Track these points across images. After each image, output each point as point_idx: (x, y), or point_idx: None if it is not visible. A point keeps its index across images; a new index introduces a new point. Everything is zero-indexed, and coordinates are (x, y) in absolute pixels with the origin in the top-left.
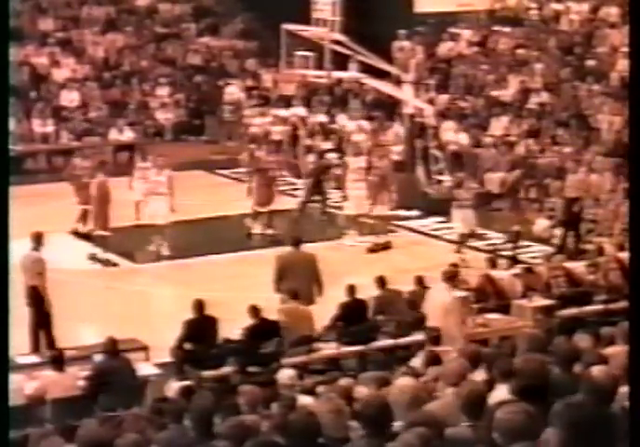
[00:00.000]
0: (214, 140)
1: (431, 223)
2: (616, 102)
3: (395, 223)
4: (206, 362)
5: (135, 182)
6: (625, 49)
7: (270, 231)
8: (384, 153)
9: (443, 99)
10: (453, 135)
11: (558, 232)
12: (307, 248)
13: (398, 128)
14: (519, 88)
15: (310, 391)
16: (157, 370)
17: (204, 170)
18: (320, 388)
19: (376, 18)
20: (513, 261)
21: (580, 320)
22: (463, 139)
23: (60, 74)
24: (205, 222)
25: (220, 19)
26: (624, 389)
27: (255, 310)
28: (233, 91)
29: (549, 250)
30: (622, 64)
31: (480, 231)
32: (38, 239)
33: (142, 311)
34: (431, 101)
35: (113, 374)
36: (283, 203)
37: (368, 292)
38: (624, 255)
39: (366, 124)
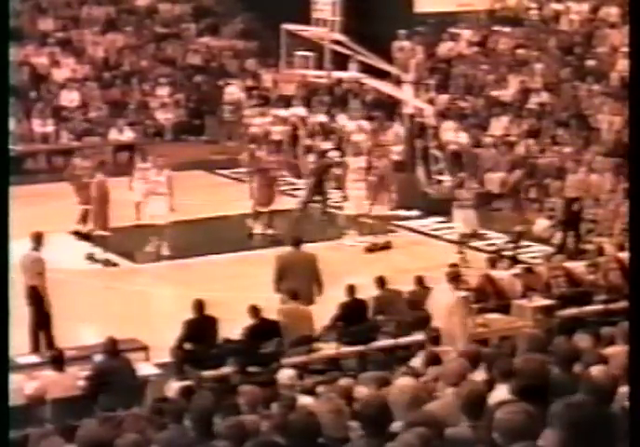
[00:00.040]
0: (214, 140)
1: (431, 223)
2: (616, 102)
3: (395, 223)
4: (206, 362)
5: (135, 182)
6: (625, 49)
7: (270, 231)
8: (384, 153)
9: (443, 99)
10: (453, 135)
11: (558, 232)
12: (307, 248)
13: (398, 129)
14: (519, 88)
15: (310, 391)
16: (157, 370)
17: (204, 170)
18: (320, 388)
19: (376, 18)
20: (513, 261)
21: (580, 320)
22: (463, 138)
23: (59, 74)
24: (205, 222)
25: (220, 19)
26: (624, 389)
27: (255, 310)
28: (233, 91)
29: (549, 250)
30: (622, 64)
31: (480, 231)
32: (38, 239)
33: (142, 311)
34: (431, 101)
35: (113, 374)
36: (283, 203)
37: (368, 292)
38: (624, 255)
39: (366, 124)
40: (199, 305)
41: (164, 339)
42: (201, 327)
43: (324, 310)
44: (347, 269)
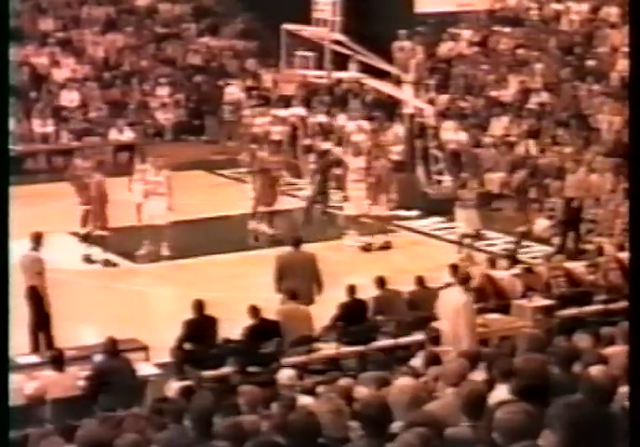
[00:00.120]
0: (214, 140)
1: (431, 223)
2: (616, 102)
3: (395, 223)
4: (206, 362)
5: (134, 184)
6: (625, 49)
7: (275, 230)
8: (381, 153)
9: (443, 99)
10: (453, 135)
11: (558, 232)
12: (307, 248)
13: (398, 129)
14: (519, 89)
15: (310, 391)
16: (157, 370)
17: (204, 170)
18: (320, 388)
19: (376, 18)
20: (514, 261)
21: (580, 320)
22: (463, 137)
23: (59, 74)
24: (205, 222)
25: (221, 19)
26: (624, 389)
27: (255, 310)
28: (234, 91)
29: (549, 250)
30: (622, 64)
31: (482, 231)
32: (37, 239)
33: (142, 311)
34: (431, 102)
35: (113, 374)
36: (284, 203)
37: (368, 293)
38: (624, 255)
39: (365, 124)
40: (199, 305)
41: (164, 339)
42: (201, 327)
43: (324, 310)
44: (347, 269)
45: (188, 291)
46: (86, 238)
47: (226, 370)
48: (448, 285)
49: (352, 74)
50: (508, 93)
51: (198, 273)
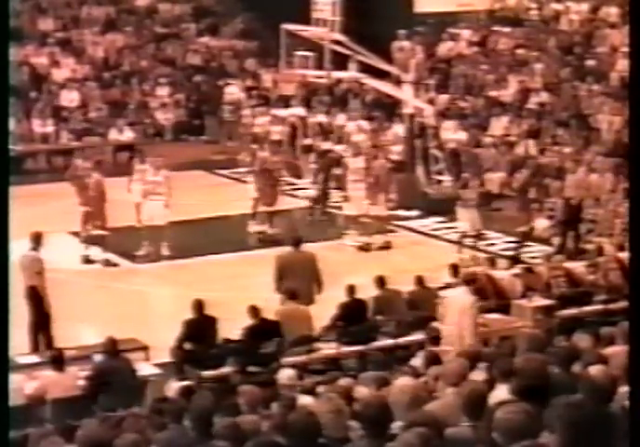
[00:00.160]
0: (214, 140)
1: (431, 223)
2: (616, 102)
3: (395, 223)
4: (206, 362)
5: (133, 184)
6: (625, 49)
7: (276, 230)
8: (379, 153)
9: (443, 99)
10: (453, 135)
11: (558, 232)
12: (307, 248)
13: (398, 129)
14: (519, 88)
15: (310, 391)
16: (157, 370)
17: (204, 170)
18: (320, 388)
19: (376, 18)
20: (514, 261)
21: (580, 320)
22: (462, 136)
23: (59, 74)
24: (205, 222)
25: (220, 19)
26: (624, 389)
27: (255, 310)
28: (233, 91)
29: (549, 250)
30: (622, 64)
31: (482, 231)
32: (37, 239)
33: (142, 311)
34: (431, 102)
35: (113, 374)
36: (284, 203)
37: (368, 292)
38: (624, 255)
39: (365, 124)
40: (199, 305)
41: (164, 339)
42: (201, 327)
43: (324, 310)
44: (347, 269)
45: (188, 291)
46: (85, 238)
47: (226, 370)
48: (449, 285)
49: (351, 74)
50: (508, 93)
51: (198, 273)
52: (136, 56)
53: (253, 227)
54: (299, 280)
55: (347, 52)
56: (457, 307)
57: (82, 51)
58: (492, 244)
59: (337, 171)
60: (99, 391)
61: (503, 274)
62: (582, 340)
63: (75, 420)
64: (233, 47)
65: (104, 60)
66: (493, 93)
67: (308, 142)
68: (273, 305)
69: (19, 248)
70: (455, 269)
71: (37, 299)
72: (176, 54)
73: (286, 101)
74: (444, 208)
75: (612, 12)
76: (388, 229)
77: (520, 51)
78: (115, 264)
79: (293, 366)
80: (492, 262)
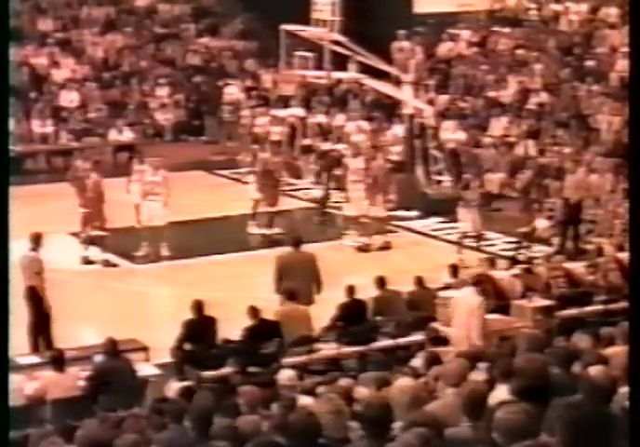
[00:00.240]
0: (214, 140)
1: (431, 223)
2: (615, 103)
3: (395, 223)
4: (206, 363)
5: (132, 184)
6: (625, 50)
7: (277, 231)
8: (380, 153)
9: (442, 99)
10: (452, 135)
11: (558, 232)
12: (307, 248)
13: (398, 129)
14: (519, 89)
15: (310, 392)
16: (157, 370)
17: (203, 171)
18: (320, 389)
19: (375, 18)
20: (513, 261)
21: (580, 321)
22: (461, 136)
23: (59, 75)
24: (205, 222)
25: (220, 19)
26: (624, 389)
27: (254, 311)
28: (233, 92)
29: (549, 250)
30: (622, 65)
31: (483, 232)
32: (37, 240)
33: (142, 311)
34: (430, 102)
35: (114, 375)
36: (285, 204)
37: (368, 293)
38: (624, 255)
39: (365, 124)
40: (198, 306)
41: (164, 339)
42: (201, 327)
43: (323, 310)
44: (347, 270)
45: (188, 292)
46: (85, 239)
47: (226, 370)
48: (448, 286)
49: (351, 74)
50: (507, 93)
51: (198, 273)
52: (135, 56)
53: (254, 228)
54: (298, 281)
55: (347, 53)
56: (464, 308)
57: (82, 52)
58: (492, 244)
59: (337, 172)
60: (99, 391)
61: (503, 274)
62: (582, 340)
63: (75, 420)
64: (233, 47)
65: (104, 60)
66: (493, 94)
67: (307, 142)
68: (272, 306)
69: (19, 248)
70: (455, 269)
71: (37, 299)
72: (175, 54)
73: (285, 102)
74: (443, 208)
75: (612, 13)
76: (388, 229)
77: (520, 52)
78: (115, 265)
79: (293, 366)
80: (492, 262)
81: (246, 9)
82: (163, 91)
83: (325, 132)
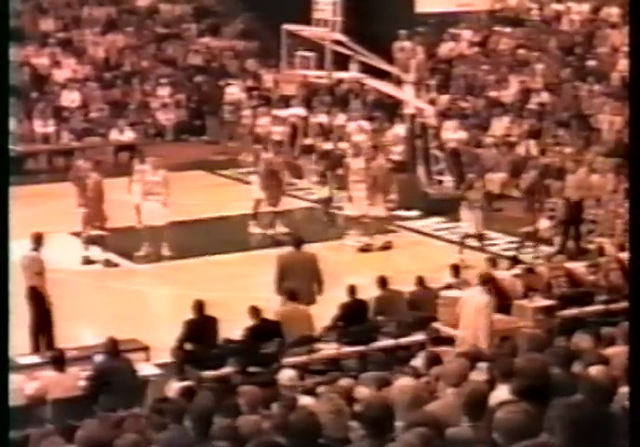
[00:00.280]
0: (215, 140)
1: (431, 223)
2: (616, 103)
3: (396, 223)
4: (207, 362)
5: (133, 184)
6: (626, 49)
7: (281, 231)
8: (380, 153)
9: (444, 99)
10: (453, 135)
11: (559, 232)
12: (308, 248)
13: (399, 129)
14: (520, 89)
15: (310, 391)
16: (158, 370)
17: (205, 171)
18: (320, 389)
19: (376, 18)
20: (514, 261)
21: (581, 321)
22: (462, 135)
23: (60, 75)
24: (206, 222)
25: (221, 19)
26: (624, 389)
27: (255, 311)
28: (234, 92)
29: (549, 250)
30: (623, 64)
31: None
32: (37, 240)
33: (143, 311)
34: (431, 102)
35: (114, 375)
36: (286, 203)
37: (369, 293)
38: (625, 255)
39: (366, 124)
40: (199, 306)
41: (164, 339)
42: (201, 327)
43: (324, 310)
44: (347, 269)
45: (188, 292)
46: (86, 239)
47: (227, 370)
48: (450, 285)
49: (352, 74)
50: (508, 93)
51: (199, 273)
52: (137, 56)
53: (255, 228)
54: (299, 280)
55: (348, 52)
56: (472, 307)
57: (83, 51)
58: (493, 244)
59: (339, 172)
60: (99, 391)
61: (504, 274)
62: (583, 340)
63: (76, 420)
64: (234, 47)
65: (105, 60)
66: (494, 93)
67: (309, 142)
68: (273, 306)
69: (19, 248)
70: (456, 269)
71: (38, 299)
72: (177, 54)
73: (286, 102)
74: (444, 208)
75: (613, 12)
76: (389, 229)
77: (521, 51)
78: (116, 265)
79: (294, 366)
80: (493, 262)
81: (248, 9)
82: (164, 91)
83: (326, 132)
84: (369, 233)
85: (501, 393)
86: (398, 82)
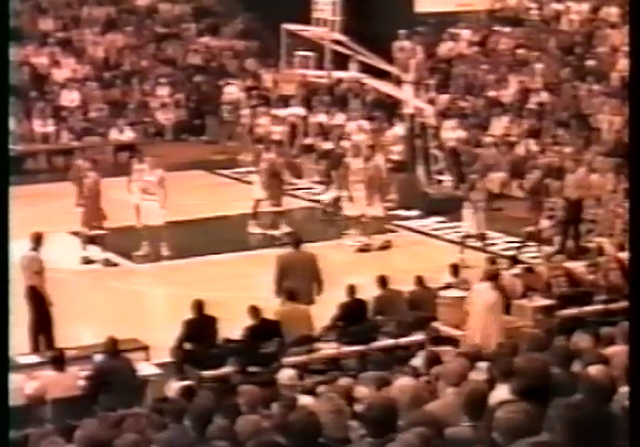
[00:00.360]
0: (214, 140)
1: (431, 222)
2: (616, 102)
3: (395, 222)
4: (207, 362)
5: (133, 184)
6: (625, 49)
7: (284, 231)
8: (379, 153)
9: (443, 99)
10: (453, 135)
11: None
12: (308, 248)
13: (398, 129)
14: (519, 88)
15: (310, 391)
16: (157, 370)
17: (204, 170)
18: (320, 388)
19: (376, 18)
20: (514, 261)
21: (581, 320)
22: (461, 135)
23: (60, 74)
24: (205, 222)
25: (221, 19)
26: (624, 389)
27: (255, 310)
28: (232, 91)
29: (549, 249)
30: (623, 64)
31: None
32: (37, 240)
33: (143, 311)
34: (431, 101)
35: (114, 374)
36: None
37: (368, 292)
38: (624, 255)
39: (366, 124)
40: (199, 305)
41: (164, 339)
42: (201, 327)
43: (324, 310)
44: (347, 269)
45: (188, 291)
46: (85, 238)
47: (226, 370)
48: (449, 285)
49: (352, 73)
50: (508, 93)
51: (198, 273)
52: (136, 56)
53: (255, 228)
54: (299, 280)
55: (347, 52)
56: (481, 303)
57: (82, 51)
58: (493, 244)
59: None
60: (99, 391)
61: (504, 274)
62: (583, 340)
63: (76, 420)
64: (234, 47)
65: (105, 60)
66: (493, 93)
67: (308, 141)
68: (273, 305)
69: (19, 248)
70: (455, 269)
71: (37, 299)
72: (176, 54)
73: (286, 101)
74: (444, 207)
75: (612, 12)
76: (388, 229)
77: (520, 51)
78: (115, 264)
79: (293, 366)
80: (493, 262)
81: (247, 9)
82: (163, 91)
83: (325, 132)
84: (369, 232)
85: (501, 393)
86: (398, 82)
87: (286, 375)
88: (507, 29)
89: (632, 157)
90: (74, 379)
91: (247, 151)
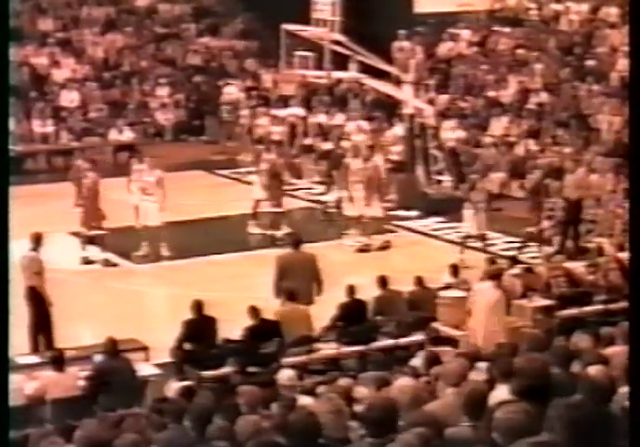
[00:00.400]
0: (214, 140)
1: (431, 223)
2: (616, 102)
3: (395, 223)
4: (206, 362)
5: (132, 184)
6: (625, 49)
7: (285, 231)
8: (378, 153)
9: (443, 99)
10: (453, 135)
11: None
12: (308, 248)
13: (398, 129)
14: (519, 89)
15: (310, 391)
16: (157, 370)
17: (204, 171)
18: (320, 389)
19: (376, 18)
20: (513, 261)
21: (580, 320)
22: (461, 135)
23: (59, 75)
24: (205, 222)
25: (220, 19)
26: (624, 389)
27: (255, 311)
28: (232, 91)
29: (549, 249)
30: (622, 64)
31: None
32: (37, 240)
33: (142, 311)
34: (431, 102)
35: (114, 375)
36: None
37: (368, 293)
38: (624, 255)
39: (365, 124)
40: (198, 306)
41: (164, 339)
42: (200, 327)
43: (324, 310)
44: (347, 269)
45: (188, 292)
46: (85, 239)
47: (226, 370)
48: (449, 285)
49: (351, 74)
50: (507, 93)
51: (198, 273)
52: (136, 56)
53: (254, 228)
54: (299, 281)
55: (347, 52)
56: (484, 302)
57: (82, 51)
58: (492, 244)
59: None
60: (99, 391)
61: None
62: (582, 340)
63: (75, 420)
64: (233, 47)
65: (104, 60)
66: (493, 93)
67: (308, 142)
68: (273, 306)
69: (19, 248)
70: (455, 269)
71: (37, 299)
72: (176, 54)
73: (285, 102)
74: (444, 208)
75: (612, 12)
76: (388, 229)
77: (520, 51)
78: (115, 265)
79: (293, 366)
80: (493, 262)
81: (247, 9)
82: (163, 91)
83: (325, 132)
84: (368, 233)
85: (501, 393)
86: (397, 82)
87: (285, 376)
88: (507, 29)
89: (631, 157)
90: (74, 379)
91: (247, 151)
